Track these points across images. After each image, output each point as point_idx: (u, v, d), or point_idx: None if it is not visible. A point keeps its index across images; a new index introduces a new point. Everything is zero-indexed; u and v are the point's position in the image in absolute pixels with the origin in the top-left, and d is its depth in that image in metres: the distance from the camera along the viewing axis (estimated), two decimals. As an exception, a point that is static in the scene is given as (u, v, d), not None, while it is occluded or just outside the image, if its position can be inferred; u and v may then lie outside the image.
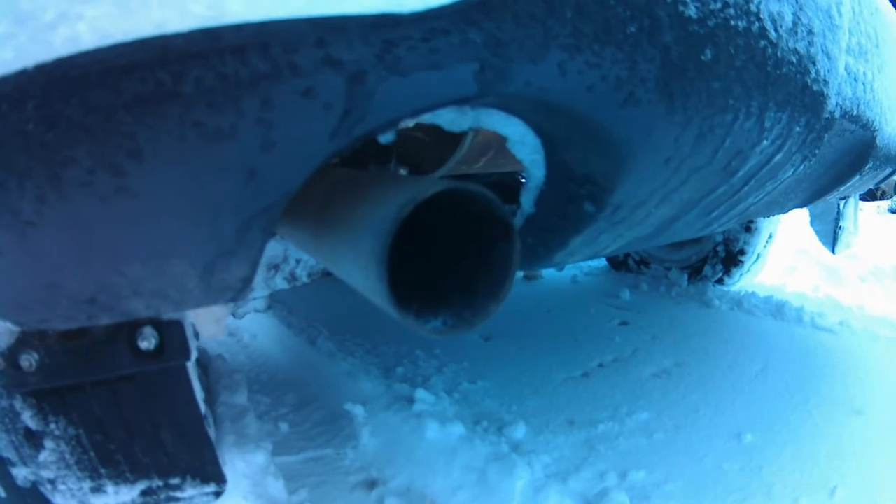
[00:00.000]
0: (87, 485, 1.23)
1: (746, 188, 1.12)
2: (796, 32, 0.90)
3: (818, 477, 2.07)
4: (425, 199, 0.55)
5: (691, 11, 0.67)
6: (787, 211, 2.09)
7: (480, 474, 2.02)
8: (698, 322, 3.67)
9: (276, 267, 1.75)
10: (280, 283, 1.76)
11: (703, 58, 0.73)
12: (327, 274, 1.85)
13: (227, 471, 1.71)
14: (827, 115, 1.10)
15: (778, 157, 1.09)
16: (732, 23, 0.74)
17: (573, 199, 0.80)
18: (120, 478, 1.24)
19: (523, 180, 0.88)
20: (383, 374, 2.87)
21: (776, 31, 0.84)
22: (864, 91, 1.31)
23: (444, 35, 0.49)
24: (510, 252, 0.65)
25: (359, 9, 0.42)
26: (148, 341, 1.13)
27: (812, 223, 3.44)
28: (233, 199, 0.54)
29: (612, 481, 2.05)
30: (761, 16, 0.79)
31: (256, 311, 2.21)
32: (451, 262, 0.73)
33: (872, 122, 1.44)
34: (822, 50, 1.01)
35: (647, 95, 0.70)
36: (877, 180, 2.57)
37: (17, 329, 1.08)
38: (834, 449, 2.23)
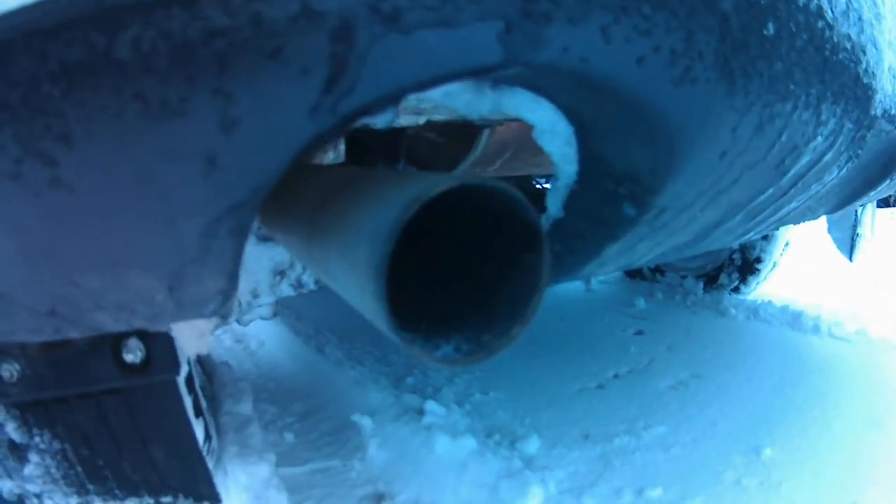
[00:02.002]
0: (73, 501, 1.18)
1: (793, 190, 1.04)
2: (849, 17, 0.83)
3: (838, 493, 2.02)
4: (433, 197, 0.45)
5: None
6: (818, 218, 2.04)
7: (492, 491, 1.97)
8: (714, 332, 3.62)
9: (281, 273, 1.70)
10: (286, 289, 1.70)
11: (765, 32, 0.64)
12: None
13: (229, 483, 1.65)
14: (873, 112, 1.04)
15: (828, 155, 1.03)
16: (794, 14, 0.68)
17: (611, 201, 0.69)
18: (108, 494, 1.18)
19: (546, 184, 0.80)
20: (393, 384, 2.83)
21: (832, 11, 0.77)
22: None
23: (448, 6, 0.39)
24: (538, 264, 0.54)
25: None
26: (133, 354, 1.06)
27: (830, 230, 3.40)
28: (190, 194, 0.45)
29: (628, 498, 2.00)
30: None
31: (262, 318, 2.16)
32: (468, 276, 0.63)
33: None
34: (871, 40, 0.95)
35: (705, 73, 0.61)
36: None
37: None
38: (853, 463, 2.18)
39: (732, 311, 3.84)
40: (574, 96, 0.60)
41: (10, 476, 1.14)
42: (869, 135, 1.12)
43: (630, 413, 2.59)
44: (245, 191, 0.46)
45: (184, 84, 0.38)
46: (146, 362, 1.07)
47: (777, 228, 1.55)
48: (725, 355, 3.25)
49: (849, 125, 0.99)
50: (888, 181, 1.74)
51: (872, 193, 1.84)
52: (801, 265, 5.03)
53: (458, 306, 0.61)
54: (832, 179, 1.18)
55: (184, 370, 1.12)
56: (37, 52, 0.37)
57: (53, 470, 1.15)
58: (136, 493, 1.16)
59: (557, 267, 0.80)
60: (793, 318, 3.70)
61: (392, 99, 0.45)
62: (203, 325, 1.22)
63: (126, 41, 0.36)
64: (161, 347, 1.08)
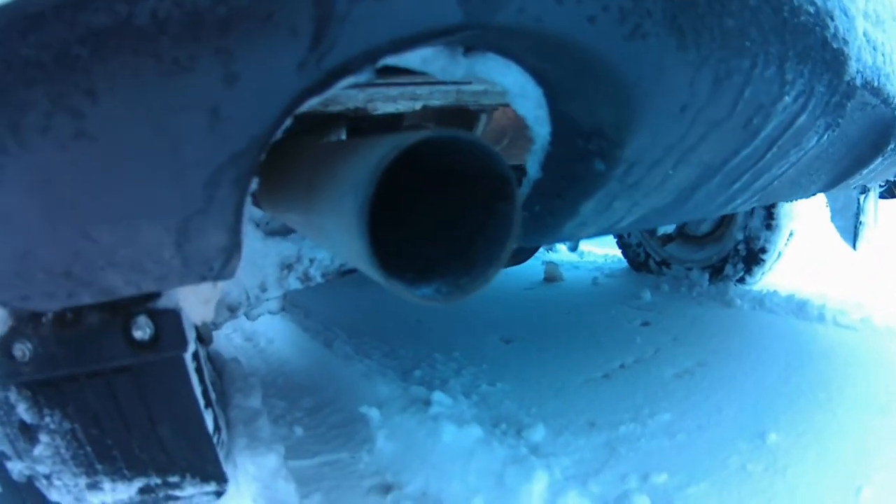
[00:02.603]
0: (83, 481, 1.21)
1: (770, 154, 1.06)
2: None
3: (843, 478, 2.04)
4: (409, 146, 0.49)
5: None
6: (810, 195, 2.04)
7: (498, 478, 1.99)
8: (720, 322, 3.64)
9: (289, 266, 1.72)
10: (294, 283, 1.72)
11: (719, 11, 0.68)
12: (342, 274, 1.81)
13: (238, 473, 1.67)
14: (848, 79, 1.06)
15: (802, 118, 1.04)
16: None
17: (582, 158, 0.73)
18: (117, 474, 1.21)
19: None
20: (400, 376, 2.85)
21: None
22: (885, 62, 1.28)
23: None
24: (511, 211, 0.58)
25: None
26: (143, 331, 1.10)
27: (833, 219, 3.44)
28: (197, 143, 0.49)
29: (633, 484, 2.02)
30: None
31: (270, 312, 2.18)
32: (449, 226, 0.67)
33: (892, 100, 1.40)
34: (840, 6, 0.97)
35: (654, 28, 0.64)
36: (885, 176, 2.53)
37: (9, 319, 1.05)
38: (859, 449, 2.19)
39: (738, 301, 3.87)
40: (538, 58, 0.64)
41: (20, 457, 1.17)
42: (850, 104, 1.14)
43: (636, 401, 2.61)
44: (245, 140, 0.50)
45: (192, 44, 0.42)
46: (155, 339, 1.11)
47: (765, 201, 1.56)
48: (731, 344, 3.27)
49: (820, 88, 1.01)
50: (881, 158, 1.75)
51: (866, 171, 1.85)
52: (806, 255, 5.06)
53: (441, 254, 0.65)
54: (812, 147, 1.20)
55: (191, 347, 1.15)
56: (67, 19, 0.41)
57: (63, 450, 1.18)
58: (144, 472, 1.19)
59: (540, 227, 0.83)
60: (798, 308, 3.72)
61: (369, 58, 0.49)
62: (208, 291, 1.25)
63: (145, 9, 0.40)
64: (169, 324, 1.12)
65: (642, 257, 4.60)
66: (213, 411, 1.45)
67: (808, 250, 5.15)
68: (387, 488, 2.10)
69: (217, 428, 1.43)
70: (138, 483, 1.21)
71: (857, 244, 3.33)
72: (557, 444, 2.26)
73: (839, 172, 1.70)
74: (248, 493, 1.80)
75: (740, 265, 4.05)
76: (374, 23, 0.47)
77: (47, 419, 1.14)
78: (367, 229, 0.50)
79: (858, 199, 3.24)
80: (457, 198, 0.65)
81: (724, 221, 4.11)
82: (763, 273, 4.06)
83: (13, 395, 1.12)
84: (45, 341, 1.08)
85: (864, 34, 1.12)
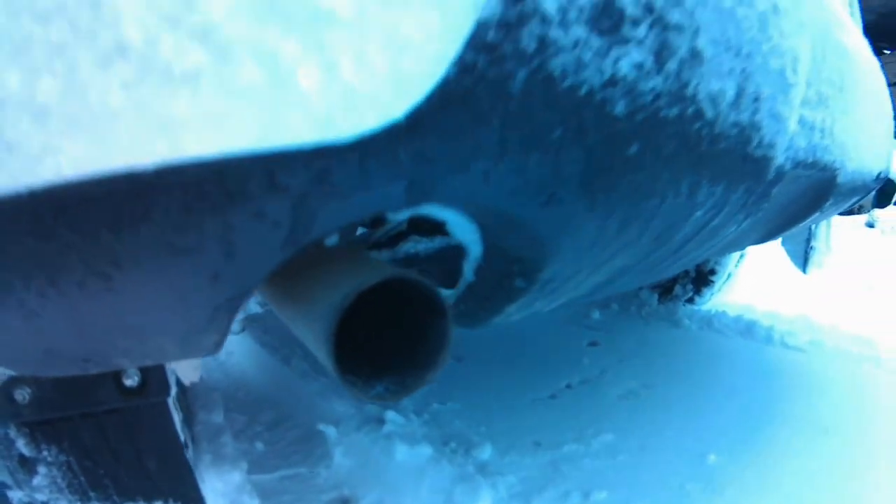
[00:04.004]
0: None
1: (685, 248, 1.17)
2: (739, 105, 0.92)
3: (781, 497, 2.15)
4: (367, 288, 0.67)
5: (619, 109, 0.70)
6: (744, 248, 2.16)
7: (447, 495, 2.13)
8: (667, 342, 3.77)
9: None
10: (253, 307, 1.87)
11: (628, 153, 0.77)
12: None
13: (205, 489, 1.82)
14: (772, 176, 1.13)
15: (715, 221, 1.13)
16: (663, 113, 0.77)
17: (506, 275, 0.84)
18: (108, 500, 1.35)
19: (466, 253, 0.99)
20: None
21: (714, 109, 0.87)
22: (822, 137, 1.32)
23: (376, 158, 0.58)
24: (445, 328, 0.75)
25: (299, 141, 0.51)
26: (132, 379, 1.26)
27: (783, 243, 3.51)
28: (201, 295, 0.64)
29: (575, 501, 2.15)
30: (698, 97, 0.82)
31: (232, 332, 2.32)
32: (398, 331, 0.84)
33: (832, 163, 1.45)
34: (770, 114, 1.02)
35: (568, 196, 0.75)
36: (843, 208, 2.61)
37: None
38: (798, 468, 2.30)
39: (686, 321, 4.00)
40: (469, 210, 0.79)
41: (20, 486, 1.31)
42: (777, 188, 1.21)
43: (580, 421, 2.73)
44: (239, 290, 0.66)
45: (198, 234, 0.57)
46: (142, 386, 1.26)
47: (693, 264, 1.65)
48: (677, 365, 3.39)
49: (736, 196, 1.09)
50: (818, 213, 1.84)
51: (804, 223, 1.96)
52: (757, 275, 5.16)
53: (389, 354, 0.82)
54: (732, 232, 1.28)
55: (173, 391, 1.32)
56: (93, 210, 0.55)
57: (59, 480, 1.32)
58: (132, 498, 1.34)
59: (472, 318, 0.98)
60: (746, 328, 3.85)
61: (334, 230, 0.65)
62: (196, 360, 1.42)
63: (160, 208, 0.54)
64: (155, 374, 1.27)
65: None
66: (184, 431, 1.61)
67: (758, 271, 5.28)
68: (344, 501, 2.22)
69: (185, 445, 1.59)
70: (128, 508, 1.36)
71: (808, 268, 3.42)
72: (504, 463, 2.39)
73: (772, 229, 1.80)
74: (214, 506, 1.96)
75: (689, 286, 4.16)
76: (338, 213, 0.62)
77: (45, 453, 1.29)
78: (334, 353, 0.68)
79: (810, 226, 3.31)
80: (404, 309, 0.82)
81: (675, 244, 4.19)
82: (712, 294, 4.17)
83: (13, 432, 1.27)
84: (44, 387, 1.22)
85: (800, 121, 1.17)
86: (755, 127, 0.97)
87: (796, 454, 2.41)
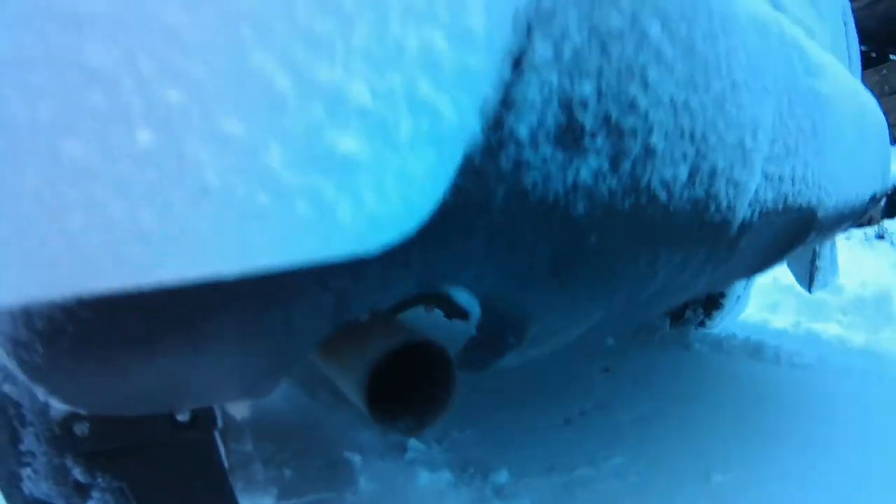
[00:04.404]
0: None
1: (655, 300, 1.24)
2: (693, 184, 0.98)
3: None
4: (393, 349, 0.83)
5: (579, 210, 0.80)
6: (729, 284, 2.25)
7: None
8: (678, 366, 3.84)
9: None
10: None
11: (587, 243, 0.86)
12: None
13: (239, 515, 1.97)
14: (735, 232, 1.18)
15: (682, 277, 1.21)
16: (618, 207, 0.85)
17: (500, 333, 0.99)
18: None
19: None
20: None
21: (668, 193, 0.94)
22: (793, 184, 1.36)
23: (394, 264, 0.70)
24: (452, 375, 0.91)
25: (341, 255, 0.66)
26: (184, 415, 1.39)
27: (788, 264, 3.54)
28: (267, 361, 0.80)
29: None
30: (651, 187, 0.89)
31: None
32: (415, 379, 0.99)
33: (808, 204, 1.50)
34: (728, 181, 1.07)
35: (542, 281, 0.87)
36: (838, 233, 2.68)
37: None
38: (797, 485, 2.39)
39: (697, 345, 4.07)
40: (468, 286, 0.95)
41: None
42: (745, 239, 1.26)
43: (593, 446, 2.84)
44: (294, 357, 0.81)
45: (273, 322, 0.73)
46: (193, 421, 1.39)
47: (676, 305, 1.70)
48: (687, 388, 3.47)
49: (698, 257, 1.17)
50: (801, 246, 1.87)
51: (788, 256, 2.02)
52: (768, 295, 5.28)
53: (410, 396, 0.98)
54: (703, 282, 1.35)
55: (219, 425, 1.47)
56: (203, 304, 0.71)
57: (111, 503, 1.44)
58: None
59: (476, 365, 1.10)
60: (755, 349, 3.91)
61: (365, 312, 0.81)
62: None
63: (244, 304, 0.70)
64: (205, 410, 1.40)
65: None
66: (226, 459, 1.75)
67: (769, 290, 5.38)
68: None
69: (228, 472, 1.71)
70: (171, 529, 1.47)
71: (814, 288, 3.43)
72: (519, 487, 2.51)
73: (755, 265, 1.85)
74: (248, 531, 2.12)
75: (700, 310, 4.24)
76: (368, 301, 0.76)
77: (99, 479, 1.40)
78: (368, 401, 0.84)
79: (815, 247, 3.33)
80: (422, 360, 0.98)
81: (685, 269, 4.27)
82: (722, 317, 4.24)
83: (70, 462, 1.38)
84: (102, 422, 1.35)
85: (765, 176, 1.21)
86: (712, 197, 1.03)
87: (797, 471, 2.51)
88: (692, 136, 0.93)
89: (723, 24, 1.01)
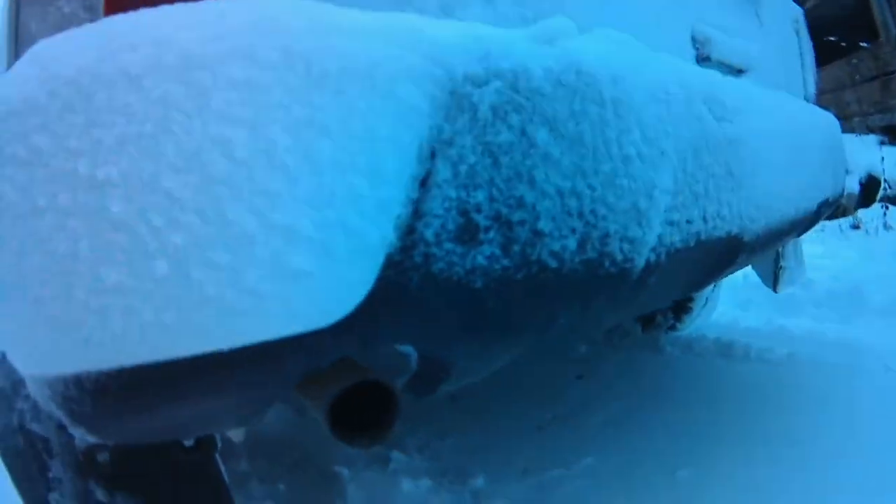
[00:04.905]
0: None
1: (572, 336, 1.47)
2: (584, 250, 1.11)
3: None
4: (349, 386, 1.10)
5: (478, 284, 0.99)
6: (661, 307, 2.38)
7: None
8: (649, 369, 4.01)
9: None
10: None
11: (486, 309, 1.05)
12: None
13: (238, 527, 2.20)
14: (638, 276, 1.26)
15: (585, 319, 1.37)
16: (511, 277, 1.02)
17: (433, 370, 1.19)
18: None
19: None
20: None
21: (559, 260, 1.07)
22: (705, 222, 1.42)
23: (342, 333, 0.89)
24: (397, 405, 1.07)
25: (308, 329, 0.91)
26: (189, 441, 1.63)
27: (753, 266, 3.60)
28: (260, 401, 1.07)
29: None
30: (542, 258, 1.05)
31: None
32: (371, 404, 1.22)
33: (727, 234, 1.55)
34: (622, 239, 1.17)
35: (454, 338, 1.10)
36: (778, 247, 2.91)
37: None
38: (764, 477, 2.52)
39: (668, 348, 4.23)
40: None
41: None
42: (653, 278, 1.34)
43: (564, 448, 3.02)
44: (273, 401, 1.08)
45: (267, 378, 0.99)
46: (197, 445, 1.63)
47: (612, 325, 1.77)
48: (657, 389, 3.64)
49: (600, 300, 1.29)
50: (732, 267, 2.01)
51: (722, 277, 2.16)
52: (739, 293, 5.45)
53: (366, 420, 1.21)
54: (617, 314, 1.51)
55: (219, 446, 1.70)
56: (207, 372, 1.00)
57: None
58: None
59: (419, 391, 1.28)
60: (725, 348, 4.06)
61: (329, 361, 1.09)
62: None
63: (248, 367, 0.98)
64: (206, 435, 1.64)
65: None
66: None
67: (741, 288, 5.46)
68: None
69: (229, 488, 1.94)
70: (180, 539, 1.69)
71: (779, 287, 3.52)
72: (494, 489, 2.70)
73: (684, 289, 2.00)
74: (249, 542, 2.36)
75: (670, 314, 4.41)
76: (330, 355, 1.01)
77: (118, 499, 1.62)
78: (332, 428, 1.09)
79: (776, 248, 3.37)
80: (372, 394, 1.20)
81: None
82: (692, 319, 4.41)
83: (92, 485, 1.60)
84: (122, 451, 1.57)
85: (668, 223, 1.29)
86: (606, 255, 1.14)
87: (763, 464, 2.64)
88: (580, 214, 1.07)
89: (616, 109, 1.15)
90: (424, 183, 0.92)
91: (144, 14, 0.89)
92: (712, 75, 1.74)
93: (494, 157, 0.99)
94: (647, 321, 4.58)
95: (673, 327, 4.49)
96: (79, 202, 0.85)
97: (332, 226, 0.85)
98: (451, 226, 0.95)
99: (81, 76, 0.86)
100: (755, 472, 2.60)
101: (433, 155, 0.93)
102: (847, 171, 3.20)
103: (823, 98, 4.98)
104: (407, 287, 0.94)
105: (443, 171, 0.94)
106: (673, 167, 1.28)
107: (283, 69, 0.86)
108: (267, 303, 0.84)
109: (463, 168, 0.96)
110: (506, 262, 1.01)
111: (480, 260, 0.99)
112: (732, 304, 5.34)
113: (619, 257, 1.17)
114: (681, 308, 4.42)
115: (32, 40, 0.97)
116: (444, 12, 1.23)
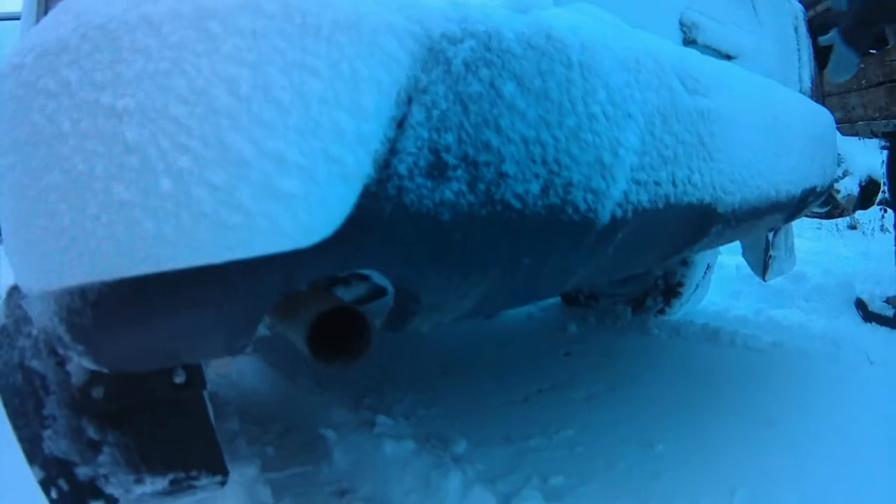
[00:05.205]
0: (131, 478, 1.71)
1: (540, 282, 1.45)
2: (547, 195, 1.18)
3: (721, 479, 2.46)
4: (326, 310, 1.20)
5: (446, 217, 1.07)
6: (645, 268, 2.45)
7: (426, 480, 2.55)
8: (636, 350, 4.10)
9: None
10: (262, 329, 2.29)
11: (453, 240, 1.13)
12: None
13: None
14: (602, 228, 1.32)
15: (553, 262, 1.39)
16: (476, 213, 1.11)
17: (406, 302, 1.29)
18: (156, 472, 1.74)
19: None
20: (353, 404, 3.36)
21: (522, 202, 1.15)
22: (674, 186, 1.47)
23: (322, 254, 0.98)
24: (370, 330, 1.19)
25: (286, 249, 0.98)
26: (180, 377, 1.71)
27: (743, 254, 3.76)
28: (243, 318, 1.16)
29: (534, 483, 2.56)
30: (505, 198, 1.13)
31: (244, 353, 2.74)
32: (348, 326, 1.23)
33: (699, 202, 1.59)
34: (586, 190, 1.24)
35: (423, 266, 1.17)
36: (772, 227, 2.94)
37: (90, 370, 1.60)
38: (740, 456, 2.62)
39: (656, 331, 4.33)
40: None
41: (86, 464, 1.69)
42: (622, 233, 1.41)
43: (546, 419, 3.13)
44: (259, 315, 1.16)
45: (248, 293, 1.14)
46: (187, 382, 1.72)
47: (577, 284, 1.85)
48: (641, 370, 3.74)
49: (563, 245, 1.33)
50: (706, 238, 1.98)
51: (696, 248, 2.13)
52: (730, 284, 5.53)
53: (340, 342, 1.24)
54: (590, 267, 1.52)
55: (208, 387, 1.79)
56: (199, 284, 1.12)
57: (119, 457, 1.70)
58: (174, 469, 1.77)
59: (395, 326, 1.37)
60: (712, 334, 4.18)
61: (307, 284, 1.21)
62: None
63: (210, 292, 1.14)
64: (197, 373, 1.73)
65: (573, 292, 4.98)
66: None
67: (732, 278, 5.58)
68: (343, 492, 2.62)
69: (215, 430, 1.93)
70: (170, 477, 1.76)
71: (768, 276, 3.61)
72: (476, 454, 2.80)
73: (658, 256, 2.03)
74: (236, 497, 2.43)
75: (660, 298, 4.50)
76: (309, 276, 1.08)
77: (109, 436, 1.69)
78: (308, 347, 1.19)
79: (767, 236, 3.51)
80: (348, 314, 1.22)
81: (647, 258, 4.44)
82: (682, 304, 4.50)
83: (85, 422, 1.68)
84: (115, 384, 1.65)
85: (635, 181, 1.35)
86: (569, 203, 1.21)
87: (738, 442, 2.75)
88: (544, 161, 1.15)
89: (583, 71, 1.26)
90: (401, 124, 1.03)
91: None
92: (689, 53, 1.80)
93: (464, 105, 1.09)
94: (638, 304, 4.68)
95: (662, 311, 4.57)
96: (98, 127, 0.99)
97: (317, 154, 0.97)
98: (422, 163, 1.05)
99: (109, 22, 1.00)
100: (727, 449, 2.71)
101: (410, 100, 1.04)
102: (848, 173, 3.30)
103: (829, 101, 5.05)
104: (381, 215, 1.03)
105: (417, 115, 1.04)
106: (640, 129, 1.36)
107: (282, 20, 0.99)
108: (257, 220, 0.95)
109: (436, 113, 1.06)
110: (471, 198, 1.11)
111: (448, 195, 1.09)
112: (723, 293, 5.41)
113: (583, 206, 1.25)
114: (671, 292, 4.50)
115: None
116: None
